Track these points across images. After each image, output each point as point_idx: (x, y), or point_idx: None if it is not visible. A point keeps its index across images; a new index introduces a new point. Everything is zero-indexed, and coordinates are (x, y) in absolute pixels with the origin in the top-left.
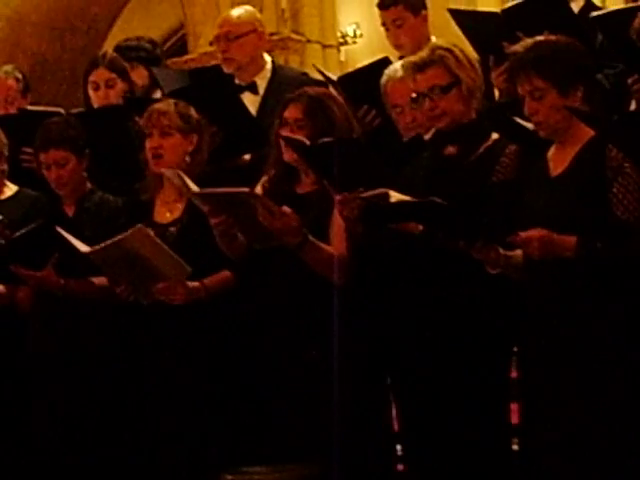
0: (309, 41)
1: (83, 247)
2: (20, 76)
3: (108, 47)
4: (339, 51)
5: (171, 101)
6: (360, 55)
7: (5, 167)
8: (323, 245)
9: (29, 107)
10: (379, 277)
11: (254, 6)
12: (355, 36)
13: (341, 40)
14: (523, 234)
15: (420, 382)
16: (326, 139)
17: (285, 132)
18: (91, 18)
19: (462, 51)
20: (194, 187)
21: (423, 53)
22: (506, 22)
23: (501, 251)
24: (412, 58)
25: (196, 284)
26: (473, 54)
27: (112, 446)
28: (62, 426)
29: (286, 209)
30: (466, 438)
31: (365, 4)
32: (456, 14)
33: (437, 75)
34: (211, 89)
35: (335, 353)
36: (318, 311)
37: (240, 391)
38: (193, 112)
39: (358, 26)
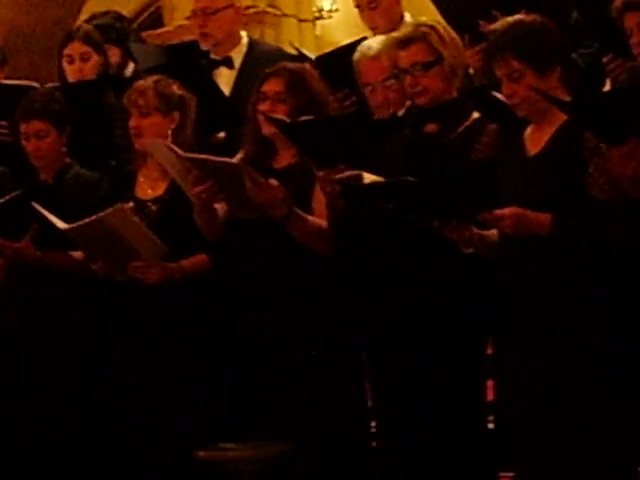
0: (285, 15)
1: (61, 224)
2: None
3: (83, 18)
4: (315, 25)
5: (151, 79)
6: (336, 30)
7: None
8: (309, 217)
9: (3, 81)
10: (359, 251)
11: None
12: (331, 10)
13: (317, 14)
14: (497, 211)
15: (395, 358)
16: (306, 117)
17: (265, 106)
18: None
19: (445, 29)
20: (181, 152)
21: (406, 29)
22: (482, 0)
23: (475, 230)
24: (395, 34)
25: (172, 265)
26: None
27: (82, 423)
28: (30, 402)
29: (273, 181)
30: (441, 415)
31: None
32: None
33: (419, 51)
34: (185, 68)
35: (310, 327)
36: (299, 283)
37: (214, 367)
38: (175, 89)
39: (334, 0)
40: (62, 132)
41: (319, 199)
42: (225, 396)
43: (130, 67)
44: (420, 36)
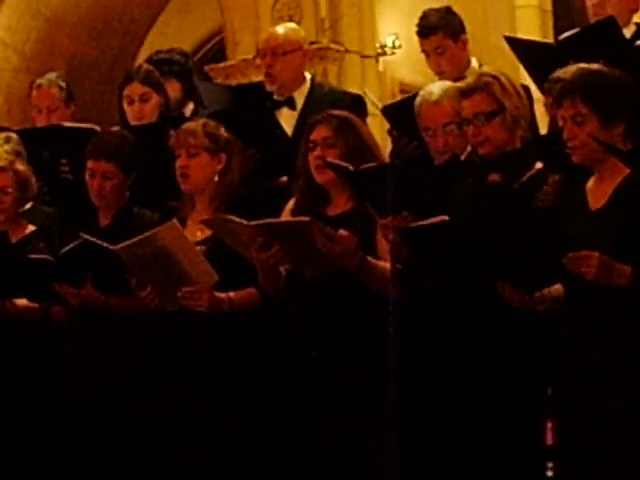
0: (348, 51)
1: (112, 246)
2: (63, 84)
3: (145, 50)
4: (377, 61)
5: (200, 121)
6: (398, 66)
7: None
8: (379, 262)
9: (65, 124)
10: (423, 297)
11: (293, 15)
12: (394, 47)
13: (379, 50)
14: (585, 252)
15: (453, 402)
16: (370, 164)
17: (315, 153)
18: (129, 20)
19: (508, 79)
20: (246, 222)
21: (469, 79)
22: (561, 51)
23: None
24: (459, 84)
25: (222, 295)
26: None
27: (145, 462)
28: (93, 442)
29: (343, 232)
30: (499, 461)
31: (404, 15)
32: (512, 42)
33: (482, 101)
34: (249, 111)
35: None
36: (366, 329)
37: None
38: (222, 131)
39: (397, 37)
40: (128, 176)
41: (383, 243)
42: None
43: (190, 106)
44: (482, 86)
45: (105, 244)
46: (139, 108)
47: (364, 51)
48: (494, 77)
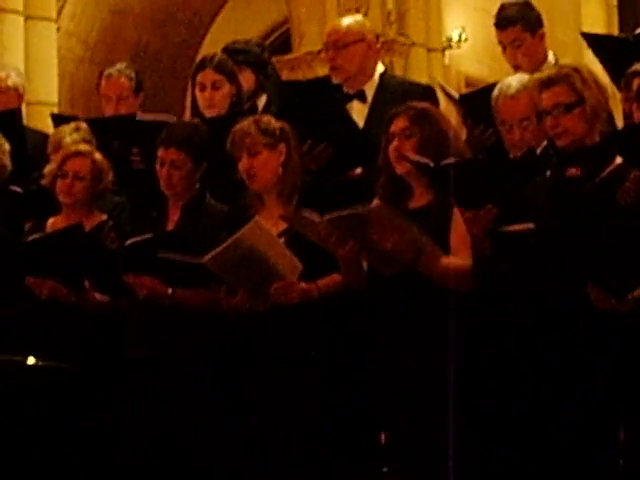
0: (414, 44)
1: (199, 258)
2: (133, 75)
3: (209, 41)
4: (444, 55)
5: (251, 119)
6: (465, 59)
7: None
8: (443, 257)
9: (139, 116)
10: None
11: (360, 7)
12: (460, 40)
13: (446, 44)
14: None
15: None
16: (449, 160)
17: (394, 145)
18: (193, 11)
19: (589, 71)
20: (317, 217)
21: (550, 70)
22: (638, 45)
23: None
24: (537, 75)
25: (310, 284)
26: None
27: (214, 456)
28: (152, 434)
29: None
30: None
31: (471, 8)
32: (589, 37)
33: (562, 93)
34: (319, 104)
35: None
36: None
37: (354, 401)
38: (274, 123)
39: (463, 30)
40: (198, 166)
41: (457, 236)
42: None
43: (263, 98)
44: (562, 77)
45: (191, 259)
46: (210, 95)
47: (430, 44)
48: (575, 69)
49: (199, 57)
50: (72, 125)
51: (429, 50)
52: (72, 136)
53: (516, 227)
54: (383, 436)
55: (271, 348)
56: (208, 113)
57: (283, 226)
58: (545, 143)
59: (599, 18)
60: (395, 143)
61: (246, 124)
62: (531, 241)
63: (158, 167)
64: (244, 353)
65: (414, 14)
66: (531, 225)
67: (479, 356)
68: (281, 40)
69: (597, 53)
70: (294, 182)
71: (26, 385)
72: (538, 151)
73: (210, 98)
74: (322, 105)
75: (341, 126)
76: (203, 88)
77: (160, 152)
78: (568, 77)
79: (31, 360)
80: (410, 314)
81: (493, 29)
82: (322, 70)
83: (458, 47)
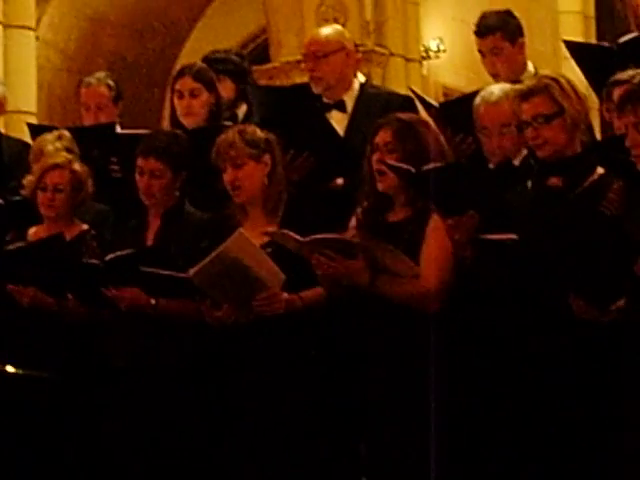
0: (392, 54)
1: (183, 273)
2: (112, 84)
3: (187, 50)
4: (422, 65)
5: (235, 129)
6: (442, 70)
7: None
8: (399, 279)
9: (119, 131)
10: (474, 307)
11: (339, 17)
12: (438, 50)
13: (424, 54)
14: None
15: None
16: (433, 165)
17: (375, 157)
18: (171, 20)
19: (568, 81)
20: (299, 238)
21: (529, 81)
22: (621, 55)
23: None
24: (518, 86)
25: (294, 295)
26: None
27: (195, 465)
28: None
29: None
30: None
31: (449, 19)
32: (571, 45)
33: (542, 103)
34: (299, 113)
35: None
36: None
37: (336, 413)
38: (259, 133)
39: (441, 41)
40: (177, 175)
41: (427, 251)
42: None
43: (243, 107)
44: (542, 88)
45: (176, 274)
46: (188, 103)
47: (408, 54)
48: (554, 79)
49: (177, 66)
50: (55, 133)
51: (407, 60)
52: (55, 144)
53: (499, 236)
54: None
55: (254, 358)
56: (186, 121)
57: (265, 239)
58: (525, 153)
59: (577, 29)
60: (377, 156)
61: (231, 134)
62: (513, 251)
63: (137, 176)
64: (228, 362)
65: (392, 24)
66: (514, 236)
67: (460, 367)
68: (259, 50)
69: (579, 62)
70: (279, 193)
71: (5, 394)
72: (517, 161)
73: (188, 106)
74: (303, 114)
75: (323, 135)
76: (181, 96)
77: (139, 161)
78: (548, 88)
79: (10, 368)
80: (389, 324)
81: (471, 39)
82: (300, 79)
83: (436, 57)
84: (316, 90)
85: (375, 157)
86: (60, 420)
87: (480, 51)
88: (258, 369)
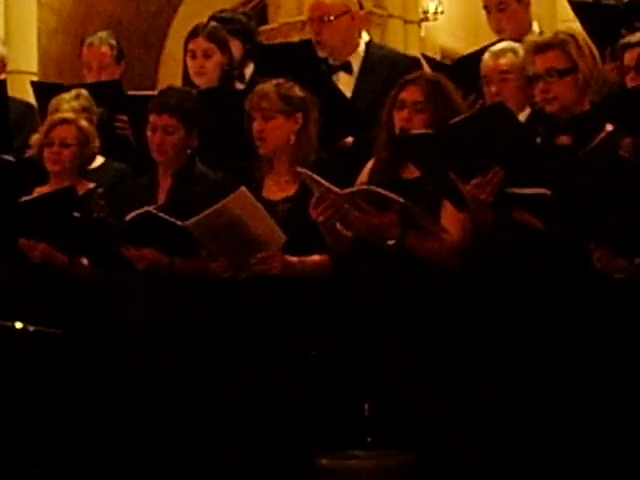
0: (391, 16)
1: (181, 222)
2: (114, 43)
3: (182, 12)
4: (420, 27)
5: (272, 82)
6: (440, 32)
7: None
8: (426, 235)
9: (130, 92)
10: (495, 265)
11: None
12: (436, 12)
13: (422, 16)
14: None
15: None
16: (446, 125)
17: (402, 114)
18: None
19: (585, 40)
20: (337, 189)
21: (546, 35)
22: (627, 12)
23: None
24: (534, 38)
25: (293, 258)
26: None
27: (204, 423)
28: (148, 400)
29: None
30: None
31: None
32: (576, 5)
33: (556, 58)
34: (306, 72)
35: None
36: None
37: (339, 372)
38: (297, 91)
39: (440, 2)
40: (190, 132)
41: (448, 212)
42: (349, 400)
43: (250, 67)
44: (558, 43)
45: (174, 220)
46: (201, 63)
47: (407, 16)
48: (571, 36)
49: (172, 29)
50: (72, 93)
51: (406, 22)
52: (71, 103)
53: (529, 190)
54: (367, 406)
55: (254, 315)
56: (198, 81)
57: (291, 191)
58: (529, 110)
59: None
60: (404, 113)
61: (267, 86)
62: (547, 206)
63: (149, 133)
64: (232, 318)
65: None
66: (546, 191)
67: (469, 332)
68: (256, 12)
69: (583, 22)
70: (307, 153)
71: (14, 350)
72: (521, 117)
73: (201, 66)
74: (308, 76)
75: (329, 96)
76: (194, 56)
77: (152, 118)
78: (564, 43)
79: (18, 324)
80: (399, 287)
81: (469, 2)
82: None
83: (434, 19)
84: (321, 53)
85: (402, 115)
86: (70, 377)
87: (486, 7)
88: (262, 325)
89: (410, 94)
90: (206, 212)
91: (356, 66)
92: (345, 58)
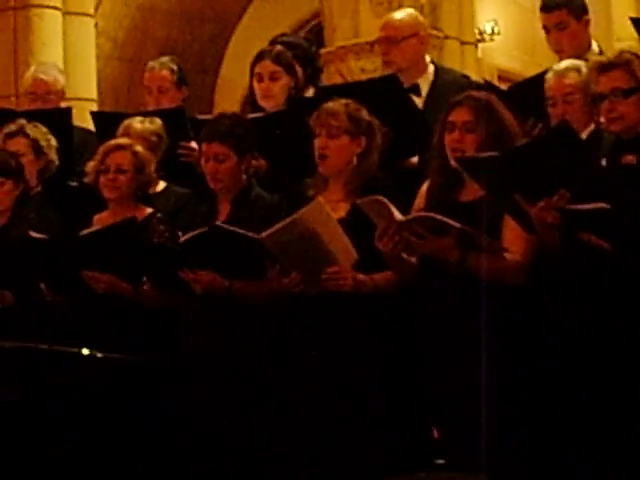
0: (447, 37)
1: (253, 234)
2: (175, 67)
3: (237, 37)
4: (477, 47)
5: (342, 101)
6: (497, 52)
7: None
8: (488, 255)
9: (199, 116)
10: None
11: (393, 1)
12: (493, 33)
13: (479, 37)
14: None
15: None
16: (512, 148)
17: (453, 136)
18: (221, 7)
19: None
20: (398, 215)
21: (610, 55)
22: None
23: None
24: (598, 58)
25: (364, 276)
26: None
27: (268, 446)
28: (212, 423)
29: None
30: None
31: (503, 1)
32: (638, 23)
33: (621, 77)
34: (382, 88)
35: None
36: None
37: (411, 394)
38: (364, 114)
39: (496, 23)
40: (243, 157)
41: (510, 230)
42: (418, 421)
43: (310, 92)
44: (623, 62)
45: (250, 233)
46: (267, 86)
47: (463, 37)
48: (636, 55)
49: (227, 54)
50: (147, 118)
51: (462, 43)
52: (144, 124)
53: (588, 206)
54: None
55: (320, 335)
56: (265, 104)
57: (342, 212)
58: (593, 127)
59: (630, 9)
60: (455, 135)
61: (337, 104)
62: (607, 221)
63: (203, 162)
64: (293, 336)
65: (447, 7)
66: (605, 205)
67: (535, 353)
68: (310, 36)
69: None
70: (366, 177)
71: (82, 376)
72: (585, 134)
73: (267, 89)
74: (386, 92)
75: (404, 111)
76: (261, 79)
77: (203, 147)
78: (628, 63)
79: (85, 351)
80: (463, 311)
81: (525, 22)
82: (355, 64)
83: (491, 40)
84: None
85: (452, 137)
86: (135, 402)
87: (545, 27)
88: (328, 344)
89: (459, 115)
90: (281, 224)
91: (425, 89)
92: (414, 80)
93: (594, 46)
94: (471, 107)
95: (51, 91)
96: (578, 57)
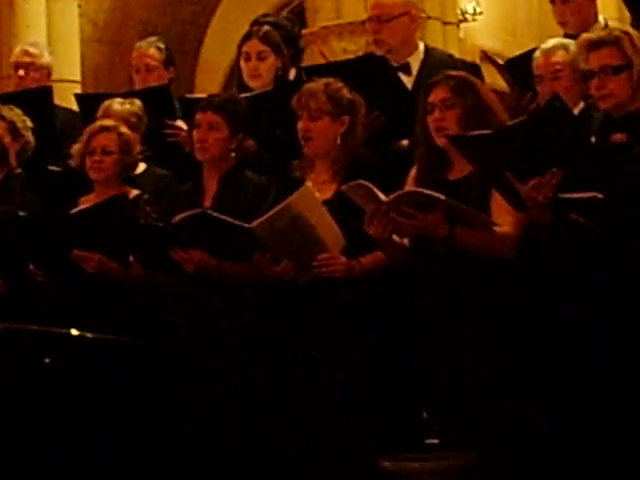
0: (429, 17)
1: (246, 224)
2: (162, 46)
3: (217, 19)
4: (459, 28)
5: (322, 81)
6: (479, 33)
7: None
8: (477, 229)
9: (187, 95)
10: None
11: None
12: (475, 13)
13: (461, 17)
14: None
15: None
16: (505, 126)
17: (434, 115)
18: None
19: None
20: (383, 196)
21: (600, 32)
22: None
23: None
24: (588, 35)
25: (354, 261)
26: None
27: (259, 429)
28: (200, 406)
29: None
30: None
31: None
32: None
33: (610, 55)
34: (369, 70)
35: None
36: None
37: (401, 376)
38: (345, 92)
39: (478, 3)
40: (234, 133)
41: (498, 205)
42: (408, 402)
43: (292, 72)
44: (613, 40)
45: (239, 222)
46: (255, 65)
47: (445, 17)
48: (625, 33)
49: (207, 36)
50: (127, 99)
51: (444, 23)
52: (124, 105)
53: (582, 195)
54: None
55: (310, 318)
56: (252, 83)
57: (329, 194)
58: (582, 105)
59: None
60: (436, 114)
61: (316, 85)
62: (600, 210)
63: (194, 132)
64: (287, 322)
65: None
66: (598, 194)
67: (527, 331)
68: (291, 16)
69: (634, 14)
70: (350, 156)
71: (72, 357)
72: (576, 111)
73: (255, 68)
74: (375, 74)
75: (394, 93)
76: (248, 58)
77: (197, 116)
78: (618, 40)
79: (74, 332)
80: (456, 290)
81: (507, 2)
82: (337, 45)
83: (473, 20)
84: (378, 52)
85: (433, 116)
86: (126, 382)
87: None
88: (318, 328)
89: (437, 94)
90: (270, 212)
91: (415, 68)
92: (404, 59)
93: (601, 19)
94: (448, 85)
95: (35, 63)
96: (583, 31)
